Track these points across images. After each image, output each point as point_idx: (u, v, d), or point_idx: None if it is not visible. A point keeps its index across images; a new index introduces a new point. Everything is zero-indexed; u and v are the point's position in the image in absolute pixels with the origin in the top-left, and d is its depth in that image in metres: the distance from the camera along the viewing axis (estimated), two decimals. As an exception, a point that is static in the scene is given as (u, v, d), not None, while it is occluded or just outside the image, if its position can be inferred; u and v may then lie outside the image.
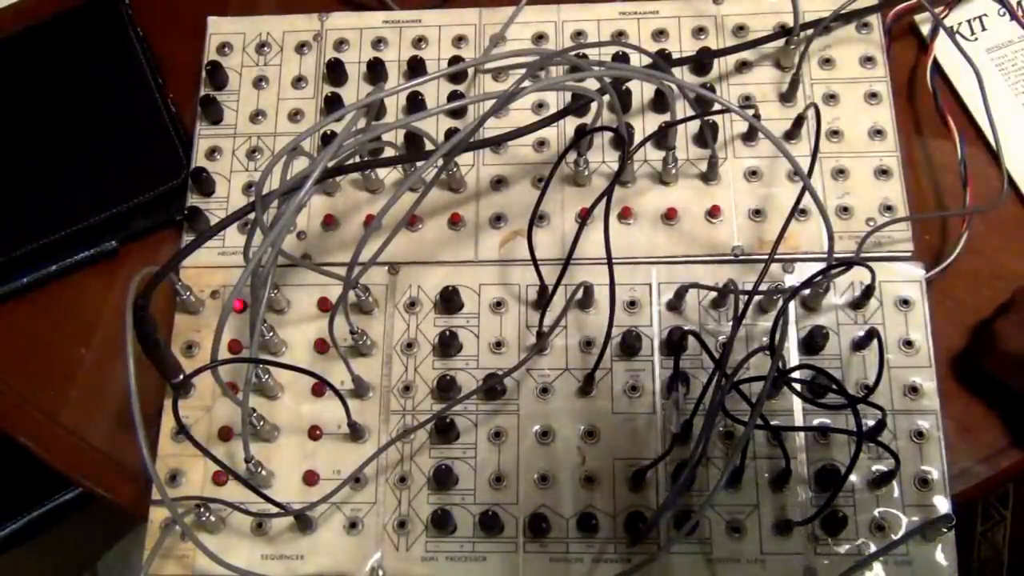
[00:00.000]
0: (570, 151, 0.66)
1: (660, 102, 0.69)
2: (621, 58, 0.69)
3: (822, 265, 0.61)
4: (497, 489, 0.61)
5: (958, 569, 0.58)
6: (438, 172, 0.66)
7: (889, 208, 0.66)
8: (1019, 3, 0.72)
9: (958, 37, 0.71)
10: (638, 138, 0.68)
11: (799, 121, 0.67)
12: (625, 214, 0.67)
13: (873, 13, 0.71)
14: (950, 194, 0.68)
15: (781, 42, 0.70)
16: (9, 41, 0.76)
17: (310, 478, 0.62)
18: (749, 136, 0.68)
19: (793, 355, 0.63)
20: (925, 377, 0.62)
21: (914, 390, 0.62)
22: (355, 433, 0.63)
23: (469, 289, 0.66)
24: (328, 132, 0.69)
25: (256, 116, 0.72)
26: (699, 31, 0.72)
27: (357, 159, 0.64)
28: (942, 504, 0.59)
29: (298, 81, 0.73)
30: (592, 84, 0.65)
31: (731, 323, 0.63)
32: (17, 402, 0.68)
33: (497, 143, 0.67)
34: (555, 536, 0.60)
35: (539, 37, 0.73)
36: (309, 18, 0.75)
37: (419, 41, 0.73)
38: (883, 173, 0.67)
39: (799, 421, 0.61)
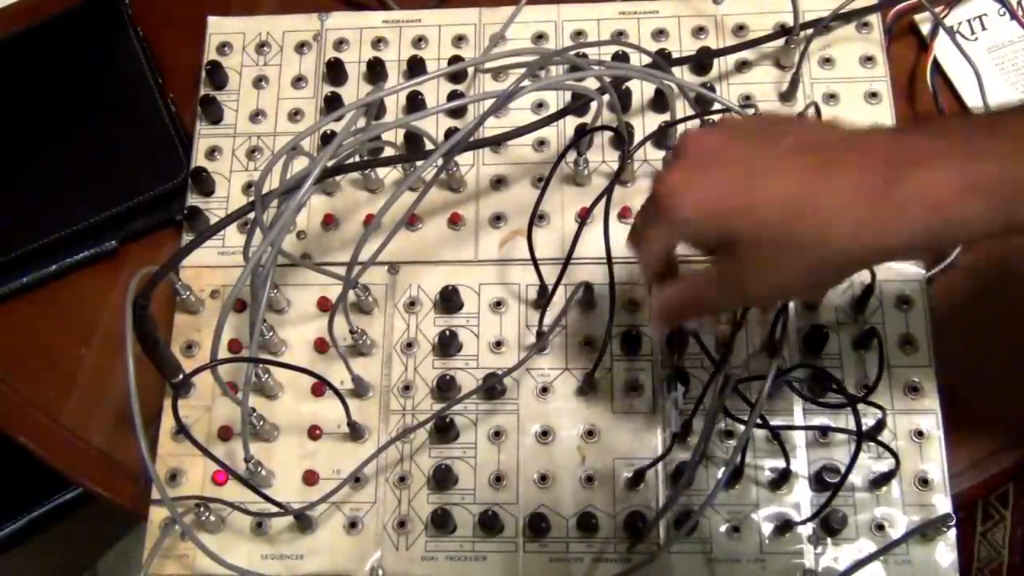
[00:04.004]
0: (570, 150, 0.66)
1: (660, 102, 0.69)
2: (621, 57, 0.69)
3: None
4: (497, 489, 0.61)
5: (958, 569, 0.58)
6: (438, 172, 0.66)
7: (889, 208, 0.66)
8: (1019, 3, 0.72)
9: (958, 37, 0.71)
10: (638, 137, 0.68)
11: (799, 121, 0.67)
12: (625, 214, 0.67)
13: (873, 12, 0.71)
14: (950, 194, 0.68)
15: (781, 42, 0.70)
16: (9, 41, 0.76)
17: (310, 478, 0.62)
18: (749, 136, 0.68)
19: (793, 355, 0.63)
20: (925, 377, 0.62)
21: (914, 390, 0.62)
22: (355, 433, 0.63)
23: (469, 289, 0.66)
24: (328, 132, 0.69)
25: (256, 116, 0.72)
26: (699, 31, 0.72)
27: (357, 159, 0.64)
28: (942, 504, 0.59)
29: (298, 81, 0.73)
30: (592, 83, 0.65)
31: (731, 323, 0.62)
32: (17, 402, 0.68)
33: (497, 143, 0.67)
34: (555, 536, 0.60)
35: (539, 37, 0.73)
36: (309, 18, 0.75)
37: (419, 41, 0.73)
38: (883, 173, 0.67)
39: (799, 421, 0.61)
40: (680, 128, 0.68)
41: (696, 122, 0.67)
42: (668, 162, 0.65)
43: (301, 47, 0.74)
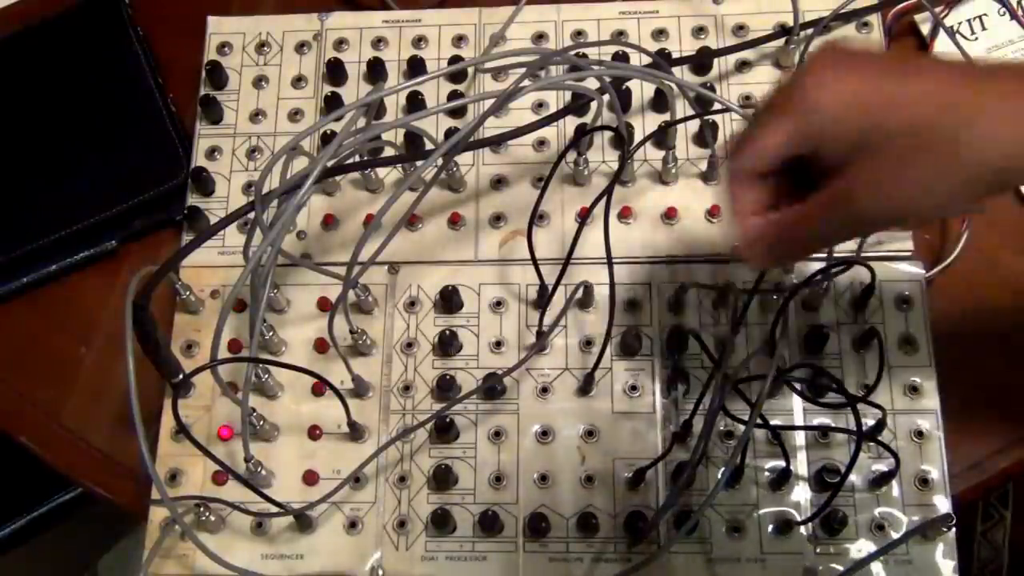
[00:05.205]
0: (570, 150, 0.66)
1: (660, 101, 0.69)
2: (621, 57, 0.69)
3: (822, 264, 0.61)
4: (497, 489, 0.61)
5: (958, 569, 0.58)
6: (438, 172, 0.65)
7: (889, 208, 0.66)
8: (1019, 3, 0.72)
9: (958, 37, 0.71)
10: (638, 137, 0.68)
11: (799, 121, 0.67)
12: (625, 214, 0.67)
13: (873, 12, 0.71)
14: (950, 194, 0.68)
15: (781, 42, 0.70)
16: (9, 41, 0.76)
17: (310, 478, 0.62)
18: (749, 136, 0.68)
19: (793, 355, 0.63)
20: (925, 377, 0.62)
21: (914, 390, 0.62)
22: (355, 433, 0.63)
23: (469, 289, 0.66)
24: (328, 132, 0.69)
25: (256, 116, 0.72)
26: (699, 31, 0.72)
27: (357, 159, 0.64)
28: (942, 504, 0.59)
29: (298, 81, 0.73)
30: (592, 83, 0.65)
31: (731, 323, 0.63)
32: (17, 402, 0.68)
33: (497, 142, 0.67)
34: (555, 536, 0.60)
35: (539, 37, 0.73)
36: (309, 18, 0.75)
37: (419, 41, 0.73)
38: (883, 173, 0.67)
39: (799, 421, 0.61)
40: (680, 128, 0.68)
41: (696, 122, 0.67)
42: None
43: (301, 47, 0.74)
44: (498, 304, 0.66)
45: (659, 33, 0.72)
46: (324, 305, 0.66)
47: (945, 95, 0.43)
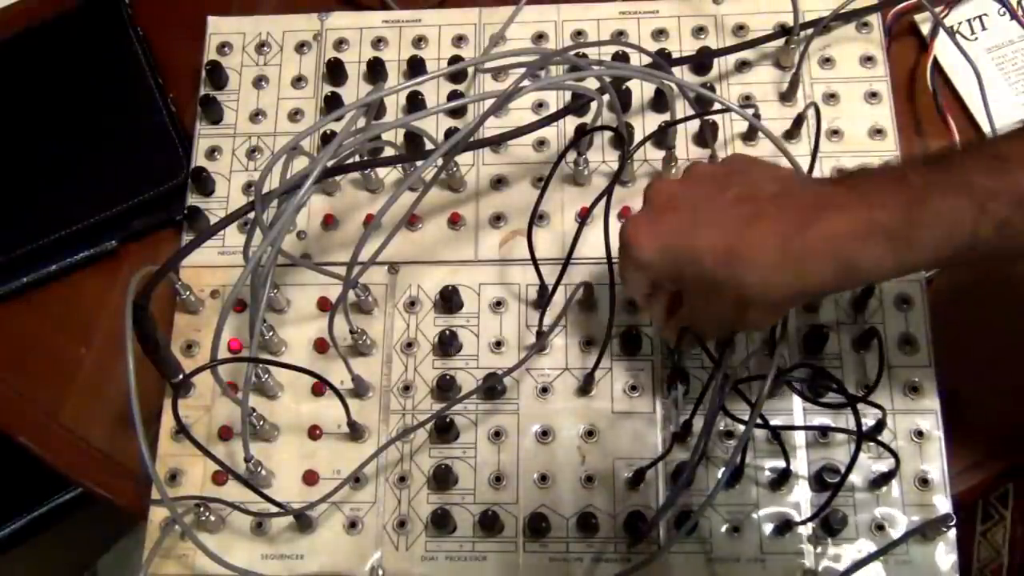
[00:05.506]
0: (570, 150, 0.66)
1: (660, 102, 0.69)
2: (621, 57, 0.69)
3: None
4: (497, 489, 0.61)
5: (958, 569, 0.58)
6: (438, 172, 0.66)
7: (889, 208, 0.66)
8: (1019, 3, 0.72)
9: (958, 37, 0.71)
10: (638, 137, 0.68)
11: (799, 121, 0.67)
12: (625, 213, 0.67)
13: (873, 12, 0.71)
14: (950, 194, 0.68)
15: (781, 42, 0.70)
16: (9, 41, 0.76)
17: (310, 478, 0.62)
18: (749, 136, 0.68)
19: (793, 355, 0.63)
20: (925, 377, 0.62)
21: (914, 390, 0.62)
22: (355, 433, 0.63)
23: (469, 289, 0.66)
24: (328, 132, 0.69)
25: (256, 116, 0.72)
26: (699, 31, 0.72)
27: (357, 159, 0.64)
28: (942, 504, 0.59)
29: (298, 81, 0.73)
30: (592, 83, 0.65)
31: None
32: (17, 402, 0.68)
33: (497, 143, 0.67)
34: (555, 536, 0.60)
35: (539, 37, 0.73)
36: (309, 18, 0.75)
37: (419, 41, 0.73)
38: (883, 173, 0.67)
39: (799, 421, 0.61)
40: (680, 128, 0.68)
41: (696, 122, 0.67)
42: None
43: (301, 47, 0.74)
44: (498, 304, 0.66)
45: (659, 33, 0.72)
46: (324, 305, 0.66)
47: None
